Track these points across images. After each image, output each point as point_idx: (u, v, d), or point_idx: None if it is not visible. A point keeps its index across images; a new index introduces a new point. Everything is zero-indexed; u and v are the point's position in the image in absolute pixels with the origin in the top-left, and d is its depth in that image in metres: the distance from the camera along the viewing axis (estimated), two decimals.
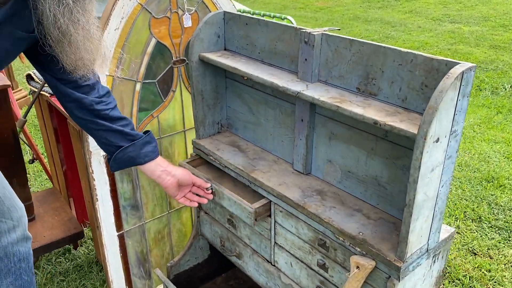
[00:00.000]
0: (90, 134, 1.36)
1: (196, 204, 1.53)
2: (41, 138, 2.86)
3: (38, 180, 2.82)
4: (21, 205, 1.48)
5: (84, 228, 2.36)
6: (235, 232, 1.68)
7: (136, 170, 1.76)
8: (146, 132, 1.41)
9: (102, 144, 1.38)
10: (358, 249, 1.21)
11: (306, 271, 1.42)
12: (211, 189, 1.52)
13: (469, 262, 2.14)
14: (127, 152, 1.37)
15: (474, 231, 2.36)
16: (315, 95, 1.25)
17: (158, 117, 1.78)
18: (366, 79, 1.23)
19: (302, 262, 1.42)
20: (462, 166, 2.99)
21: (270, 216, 1.48)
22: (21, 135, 2.40)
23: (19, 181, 1.92)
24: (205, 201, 1.53)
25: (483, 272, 2.07)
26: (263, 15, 3.25)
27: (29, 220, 2.06)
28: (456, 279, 2.03)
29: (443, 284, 2.02)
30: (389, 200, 1.28)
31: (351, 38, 1.24)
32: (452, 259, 2.15)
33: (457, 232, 2.36)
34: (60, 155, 2.22)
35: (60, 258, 2.18)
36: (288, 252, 1.46)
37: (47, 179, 2.79)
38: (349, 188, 1.39)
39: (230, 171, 1.59)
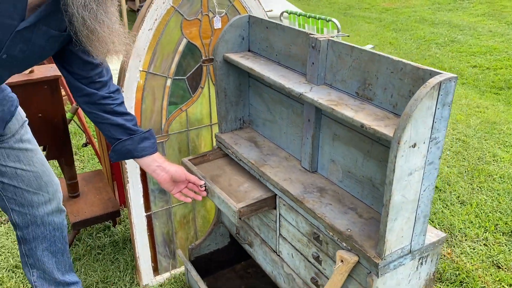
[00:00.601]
0: (97, 126, 1.52)
1: (189, 200, 1.64)
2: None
3: (91, 162, 3.10)
4: (57, 181, 1.68)
5: (125, 209, 2.58)
6: (248, 222, 1.80)
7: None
8: (149, 130, 1.54)
9: (106, 136, 1.53)
10: (344, 244, 1.28)
11: (304, 262, 1.51)
12: (205, 186, 1.62)
13: (490, 274, 2.10)
14: (125, 145, 1.51)
15: (503, 244, 2.30)
16: (315, 97, 1.33)
17: (187, 111, 1.94)
18: (364, 84, 1.29)
19: (301, 254, 1.51)
20: (505, 178, 2.89)
21: (275, 208, 1.59)
22: (77, 121, 2.67)
23: (66, 161, 2.16)
24: (199, 197, 1.64)
25: (503, 286, 2.03)
26: (309, 17, 3.33)
27: (74, 197, 2.31)
28: None
29: None
30: (381, 201, 1.34)
31: (352, 45, 1.31)
32: (472, 270, 2.13)
33: (484, 244, 2.31)
34: (106, 140, 2.45)
35: (100, 234, 2.41)
36: (290, 243, 1.56)
37: (98, 162, 3.06)
38: (349, 188, 1.46)
39: (244, 164, 1.71)
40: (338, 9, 9.88)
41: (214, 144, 2.04)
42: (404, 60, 1.16)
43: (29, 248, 1.66)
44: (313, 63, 1.42)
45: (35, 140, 1.59)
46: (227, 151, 1.80)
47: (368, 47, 3.82)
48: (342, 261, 1.27)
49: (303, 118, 1.55)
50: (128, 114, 1.51)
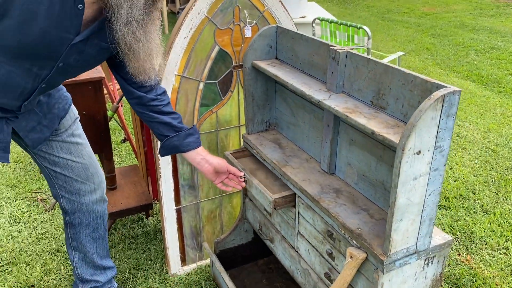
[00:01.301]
0: (146, 124, 1.68)
1: (230, 189, 1.80)
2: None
3: (128, 158, 3.30)
4: (101, 173, 1.86)
5: (157, 202, 2.75)
6: (269, 219, 1.92)
7: None
8: (192, 126, 1.70)
9: (155, 133, 1.70)
10: (355, 242, 1.38)
11: (319, 258, 1.61)
12: (244, 177, 1.77)
13: (508, 283, 2.13)
14: (172, 141, 1.67)
15: None
16: (332, 104, 1.44)
17: (217, 112, 2.08)
18: (378, 94, 1.38)
19: (316, 250, 1.62)
20: None
21: (294, 207, 1.70)
22: (117, 119, 2.87)
23: (106, 155, 2.35)
24: (239, 187, 1.79)
25: None
26: (340, 24, 3.41)
27: (112, 189, 2.49)
28: None
29: None
30: None
31: (368, 57, 1.40)
32: (490, 277, 2.16)
33: (504, 253, 2.33)
34: (143, 138, 2.62)
35: (134, 225, 2.59)
36: (307, 240, 1.66)
37: (135, 157, 3.25)
38: (363, 190, 1.55)
39: (267, 164, 1.83)
40: (376, 13, 9.83)
41: (241, 144, 2.17)
42: (414, 73, 1.25)
43: (74, 232, 1.84)
44: (332, 72, 1.53)
45: (89, 134, 1.77)
46: (253, 151, 1.93)
47: (398, 54, 3.86)
48: (351, 257, 1.36)
49: (323, 123, 1.65)
50: (174, 113, 1.66)
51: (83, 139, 1.77)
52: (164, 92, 1.65)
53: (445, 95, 1.11)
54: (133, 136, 3.09)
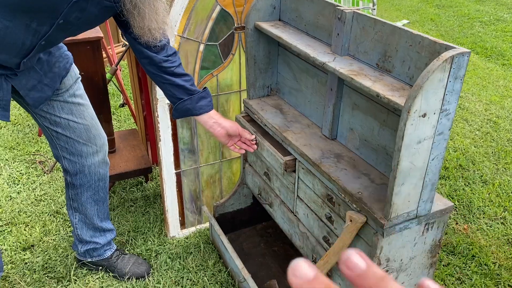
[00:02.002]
0: (159, 86, 1.65)
1: (243, 151, 1.81)
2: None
3: (127, 122, 3.27)
4: (104, 135, 1.84)
5: (156, 167, 2.74)
6: (269, 184, 1.91)
7: (195, 119, 2.05)
8: (204, 88, 1.67)
9: (167, 95, 1.67)
10: (354, 206, 1.37)
11: (318, 222, 1.61)
12: (256, 140, 1.78)
13: (504, 252, 2.15)
14: (185, 104, 1.64)
15: None
16: (337, 66, 1.40)
17: (217, 76, 2.04)
18: (384, 56, 1.35)
19: (315, 214, 1.62)
20: None
21: (295, 171, 1.68)
22: (115, 82, 2.83)
23: (104, 118, 2.32)
24: (251, 149, 1.80)
25: None
26: None
27: (111, 152, 2.47)
28: (484, 264, 2.07)
29: (470, 267, 2.07)
30: None
31: (376, 18, 1.36)
32: (486, 246, 2.18)
33: (501, 223, 2.35)
34: (142, 102, 2.59)
35: (133, 188, 2.59)
36: (306, 204, 1.66)
37: (134, 122, 3.23)
38: (364, 155, 1.54)
39: (268, 129, 1.81)
40: None
41: (242, 109, 2.14)
42: (422, 34, 1.21)
43: (75, 193, 1.83)
44: (338, 34, 1.49)
45: (87, 96, 1.75)
46: (254, 116, 1.90)
47: (403, 22, 3.78)
48: (351, 220, 1.36)
49: (327, 87, 1.62)
50: (186, 74, 1.63)
51: (85, 100, 1.74)
52: (175, 52, 1.61)
53: (454, 56, 1.08)
54: (132, 100, 3.05)
